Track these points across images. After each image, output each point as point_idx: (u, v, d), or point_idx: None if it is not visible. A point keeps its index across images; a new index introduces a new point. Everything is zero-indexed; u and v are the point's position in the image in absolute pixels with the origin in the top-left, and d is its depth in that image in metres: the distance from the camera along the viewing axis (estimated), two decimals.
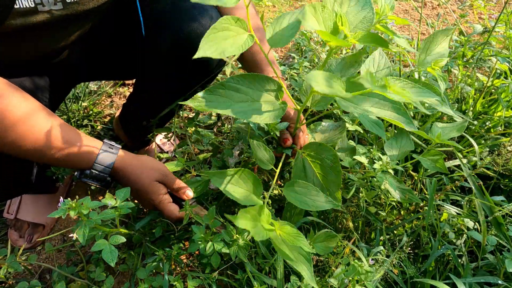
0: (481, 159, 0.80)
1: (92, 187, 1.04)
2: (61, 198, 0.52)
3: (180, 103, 0.55)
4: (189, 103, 0.54)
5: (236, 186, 0.60)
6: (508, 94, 0.88)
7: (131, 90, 1.40)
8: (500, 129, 0.86)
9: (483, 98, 0.93)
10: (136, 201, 0.76)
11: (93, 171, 0.62)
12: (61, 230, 1.00)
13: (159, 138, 1.15)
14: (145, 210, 0.86)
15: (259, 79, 0.59)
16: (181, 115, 1.18)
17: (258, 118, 0.55)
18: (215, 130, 1.22)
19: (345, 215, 0.72)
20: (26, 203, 0.97)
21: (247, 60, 0.78)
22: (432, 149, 0.71)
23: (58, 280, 0.75)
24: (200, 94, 0.54)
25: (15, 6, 0.54)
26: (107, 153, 0.63)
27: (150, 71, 0.86)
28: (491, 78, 0.91)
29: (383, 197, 0.80)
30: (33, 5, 0.56)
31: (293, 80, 1.08)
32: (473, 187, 0.69)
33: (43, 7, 0.57)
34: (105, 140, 0.66)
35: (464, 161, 0.80)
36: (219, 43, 0.48)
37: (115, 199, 0.59)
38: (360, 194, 0.74)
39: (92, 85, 1.33)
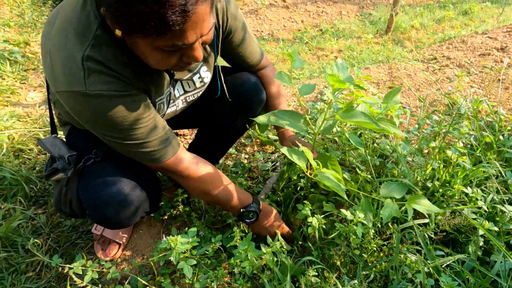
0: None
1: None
2: (164, 236, 0.89)
3: (252, 119, 0.98)
4: (260, 118, 0.95)
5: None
6: (465, 171, 1.19)
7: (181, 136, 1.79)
8: (457, 198, 1.17)
9: (449, 171, 1.24)
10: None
11: (250, 209, 1.08)
12: (131, 249, 1.37)
13: None
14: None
15: (295, 113, 0.99)
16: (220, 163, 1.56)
17: (299, 129, 0.96)
18: (246, 175, 1.58)
19: (335, 256, 1.05)
20: None
21: (271, 106, 1.26)
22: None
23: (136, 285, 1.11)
24: (261, 117, 0.95)
25: (164, 111, 0.95)
26: (256, 200, 1.12)
27: (219, 121, 1.26)
28: (454, 154, 1.22)
29: (366, 243, 1.12)
30: (173, 110, 0.96)
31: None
32: (421, 243, 1.01)
33: (177, 108, 0.98)
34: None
35: (427, 220, 1.12)
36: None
37: (189, 236, 0.94)
38: (350, 239, 1.07)
39: None
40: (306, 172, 0.96)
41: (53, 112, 1.11)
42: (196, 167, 1.00)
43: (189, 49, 0.73)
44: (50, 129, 1.83)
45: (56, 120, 1.17)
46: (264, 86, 1.22)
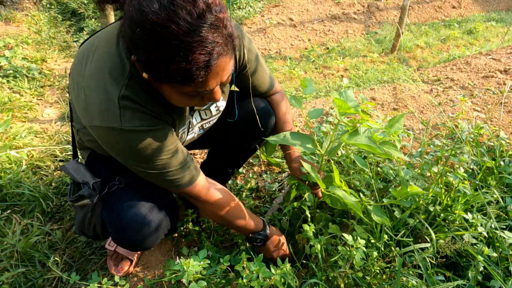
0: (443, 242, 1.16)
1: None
2: (178, 258, 0.94)
3: (265, 138, 1.08)
4: (271, 138, 1.01)
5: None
6: (466, 197, 1.23)
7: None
8: (458, 223, 1.21)
9: (450, 196, 1.28)
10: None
11: (258, 236, 1.15)
12: (142, 266, 1.42)
13: None
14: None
15: (304, 135, 1.05)
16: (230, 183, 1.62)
17: (308, 149, 1.01)
18: (253, 195, 1.64)
19: (339, 279, 1.09)
20: None
21: (279, 128, 1.32)
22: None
23: None
24: (273, 137, 1.02)
25: (184, 139, 1.01)
26: (265, 227, 1.19)
27: (232, 142, 1.34)
28: (456, 180, 1.27)
29: (369, 265, 1.16)
30: (191, 137, 1.02)
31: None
32: (422, 267, 1.05)
33: (194, 135, 1.04)
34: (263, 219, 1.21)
35: (428, 244, 1.16)
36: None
37: (199, 257, 1.00)
38: (353, 261, 1.12)
39: None
40: (323, 187, 1.02)
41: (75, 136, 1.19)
42: (213, 192, 1.07)
43: (210, 93, 0.80)
44: (66, 146, 1.92)
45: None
46: (274, 110, 1.29)
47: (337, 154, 1.52)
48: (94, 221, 1.05)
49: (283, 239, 1.25)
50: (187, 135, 1.09)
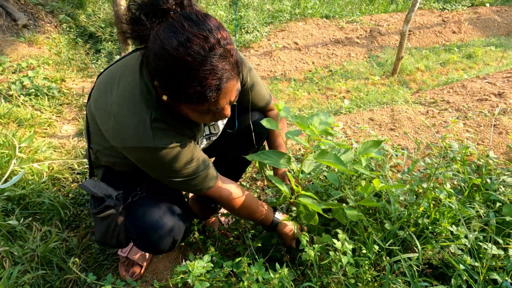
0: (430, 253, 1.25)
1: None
2: (184, 260, 1.05)
3: (245, 156, 1.16)
4: (252, 157, 1.12)
5: None
6: (452, 211, 1.33)
7: None
8: (444, 235, 1.30)
9: (439, 210, 1.38)
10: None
11: (274, 221, 1.28)
12: (151, 272, 1.52)
13: (220, 215, 1.71)
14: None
15: (280, 153, 1.16)
16: None
17: (280, 166, 1.12)
18: None
19: (332, 284, 1.19)
20: (135, 248, 1.52)
21: (272, 142, 1.47)
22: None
23: None
24: (254, 155, 1.13)
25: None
26: (278, 214, 1.31)
27: (233, 151, 1.46)
28: (443, 195, 1.37)
29: (362, 273, 1.25)
30: (203, 146, 1.17)
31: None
32: (407, 274, 1.14)
33: (202, 145, 1.18)
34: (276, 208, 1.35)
35: (416, 254, 1.25)
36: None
37: (204, 261, 1.10)
38: (346, 269, 1.21)
39: None
40: (288, 195, 1.17)
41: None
42: (231, 190, 1.21)
43: (221, 110, 0.95)
44: (83, 160, 2.06)
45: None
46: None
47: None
48: (118, 229, 1.17)
49: (290, 224, 1.37)
50: (201, 143, 1.25)
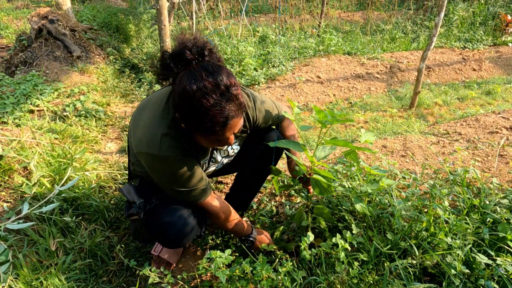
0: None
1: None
2: (208, 250, 1.27)
3: (272, 144, 1.44)
4: (276, 144, 1.39)
5: None
6: (448, 225, 1.48)
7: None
8: (441, 246, 1.45)
9: (438, 226, 1.53)
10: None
11: (249, 238, 1.53)
12: (179, 268, 1.74)
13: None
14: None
15: (296, 142, 1.43)
16: (245, 215, 1.95)
17: (299, 149, 1.37)
18: (274, 219, 1.95)
19: (337, 284, 1.36)
20: (165, 248, 1.75)
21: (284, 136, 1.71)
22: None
23: None
24: (278, 142, 1.39)
25: (207, 168, 1.39)
26: (254, 229, 1.56)
27: (250, 164, 1.69)
28: (442, 211, 1.53)
29: (364, 276, 1.41)
30: (213, 168, 1.41)
31: None
32: (403, 275, 1.30)
33: (216, 168, 1.43)
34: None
35: (413, 262, 1.40)
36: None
37: (225, 253, 1.31)
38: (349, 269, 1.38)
39: None
40: (304, 169, 1.43)
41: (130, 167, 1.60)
42: (220, 207, 1.45)
43: (226, 139, 1.21)
44: (123, 171, 2.36)
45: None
46: (283, 131, 1.71)
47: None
48: (143, 230, 1.45)
49: (266, 233, 1.64)
50: (210, 166, 1.52)
